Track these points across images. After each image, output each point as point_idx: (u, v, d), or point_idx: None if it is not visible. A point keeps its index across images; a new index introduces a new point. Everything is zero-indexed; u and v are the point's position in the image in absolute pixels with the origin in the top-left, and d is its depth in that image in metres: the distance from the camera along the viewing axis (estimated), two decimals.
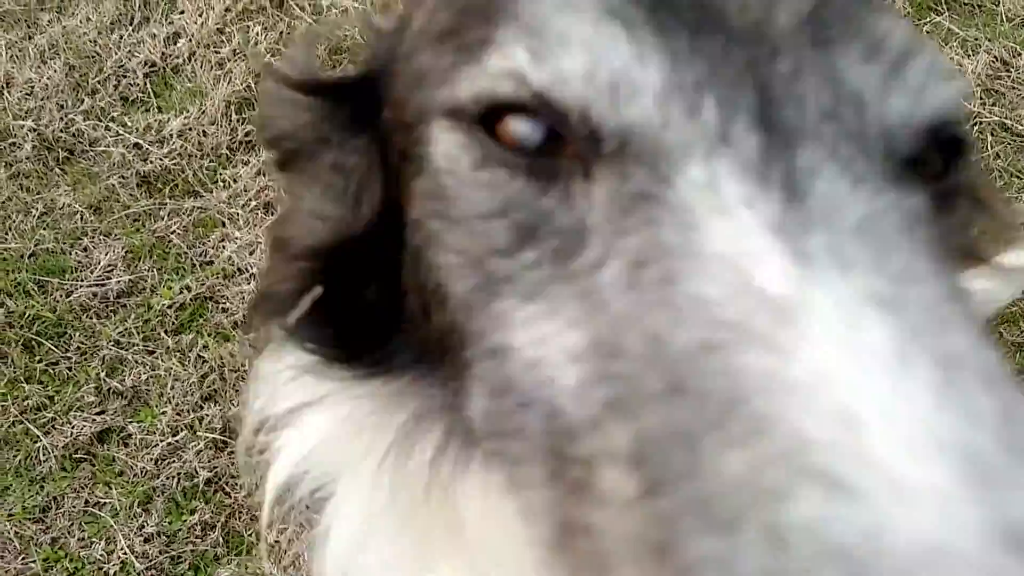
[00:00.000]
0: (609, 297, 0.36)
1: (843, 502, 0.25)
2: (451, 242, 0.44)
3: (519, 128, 0.41)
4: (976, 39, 2.39)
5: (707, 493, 0.28)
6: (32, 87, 2.47)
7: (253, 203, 2.05)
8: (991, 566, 0.24)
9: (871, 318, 0.30)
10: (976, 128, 2.17)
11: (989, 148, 2.12)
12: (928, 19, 2.45)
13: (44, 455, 1.76)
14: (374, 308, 0.53)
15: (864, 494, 0.25)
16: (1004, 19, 2.46)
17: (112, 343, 1.83)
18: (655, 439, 0.30)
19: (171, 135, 2.25)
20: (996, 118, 2.19)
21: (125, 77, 2.47)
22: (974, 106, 2.21)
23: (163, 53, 2.50)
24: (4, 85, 2.49)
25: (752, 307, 0.31)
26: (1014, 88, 2.27)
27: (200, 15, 2.57)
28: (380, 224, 0.52)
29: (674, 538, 0.28)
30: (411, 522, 0.53)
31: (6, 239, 2.06)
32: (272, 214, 2.02)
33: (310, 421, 0.55)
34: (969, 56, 2.33)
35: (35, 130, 2.33)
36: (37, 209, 2.13)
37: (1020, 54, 2.34)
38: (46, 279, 1.95)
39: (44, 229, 2.08)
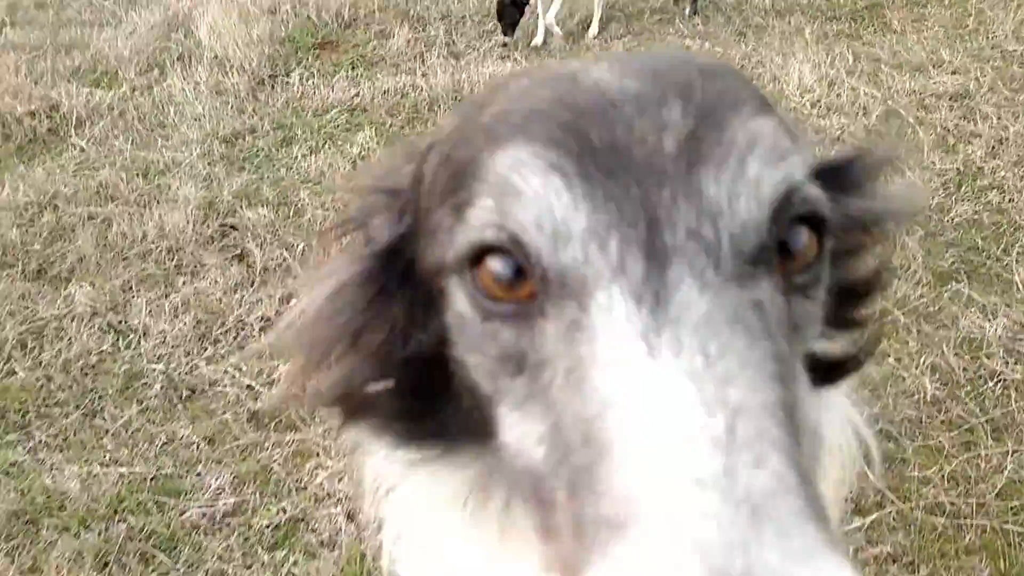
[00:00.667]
0: (555, 399, 0.52)
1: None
2: (473, 361, 0.59)
3: (497, 268, 0.55)
4: (995, 304, 2.65)
5: (598, 486, 0.45)
6: (165, 336, 2.90)
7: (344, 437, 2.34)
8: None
9: (686, 389, 0.46)
10: (1000, 385, 2.36)
11: (1014, 403, 2.30)
12: (948, 287, 2.73)
13: None
14: (435, 398, 0.66)
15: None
16: (1019, 287, 2.73)
17: (216, 558, 2.07)
18: (577, 468, 0.48)
19: (279, 378, 2.61)
20: (1018, 376, 2.39)
21: (243, 330, 2.89)
22: (996, 365, 2.42)
23: (277, 311, 2.93)
24: (142, 335, 2.94)
25: (620, 390, 0.47)
26: None
27: None
28: (438, 345, 0.64)
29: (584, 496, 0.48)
30: (491, 548, 0.68)
31: (132, 463, 2.38)
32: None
33: (404, 500, 0.72)
34: (989, 320, 2.58)
35: (164, 372, 2.72)
36: (160, 439, 2.45)
37: None
38: (164, 499, 2.23)
39: (165, 456, 2.40)
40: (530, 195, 0.53)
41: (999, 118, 3.85)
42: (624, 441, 0.46)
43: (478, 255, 0.56)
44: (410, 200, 0.67)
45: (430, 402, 0.67)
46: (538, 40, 5.12)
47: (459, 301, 0.59)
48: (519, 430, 0.56)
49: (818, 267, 0.58)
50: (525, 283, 0.55)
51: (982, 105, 3.98)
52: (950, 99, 4.07)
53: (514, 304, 0.56)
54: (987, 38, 4.77)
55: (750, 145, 0.54)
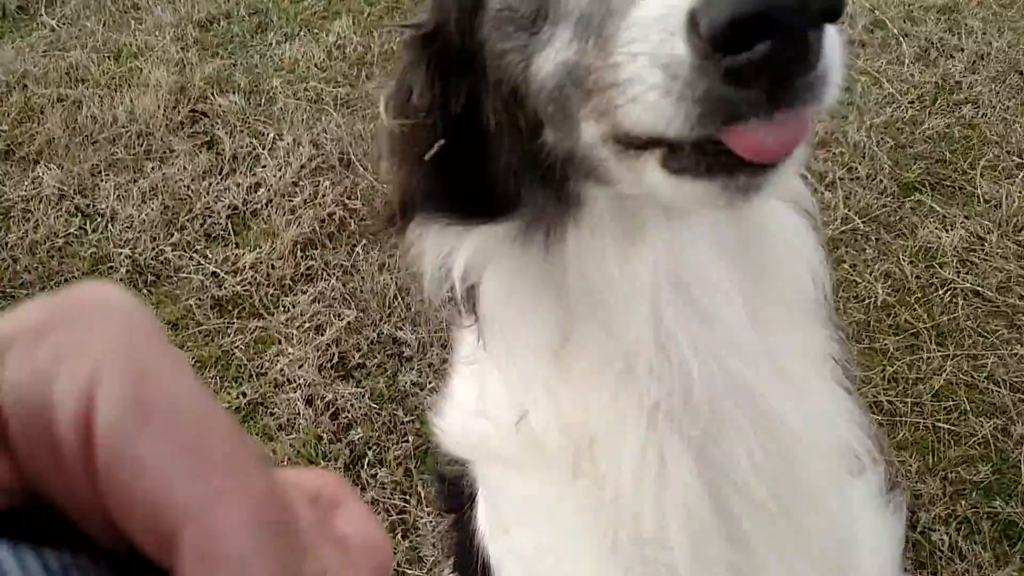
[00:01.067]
0: (572, 7, 0.70)
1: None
2: (508, 46, 0.77)
3: None
4: (955, 216, 2.68)
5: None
6: (132, 221, 2.90)
7: (307, 325, 2.38)
8: None
9: None
10: (950, 293, 2.41)
11: (960, 311, 2.36)
12: (912, 198, 2.75)
13: None
14: (477, 167, 0.85)
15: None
16: (981, 200, 2.75)
17: None
18: (600, 18, 0.66)
19: (244, 267, 2.63)
20: (968, 285, 2.44)
21: (210, 217, 2.89)
22: (949, 274, 2.47)
23: (245, 199, 2.93)
24: (109, 219, 2.94)
25: None
26: (987, 260, 2.52)
27: (279, 169, 3.02)
28: (466, 112, 0.85)
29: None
30: (542, 282, 0.85)
31: None
32: (323, 335, 2.35)
33: (459, 255, 0.87)
34: (947, 231, 2.61)
35: (131, 257, 2.74)
36: None
37: (993, 231, 2.62)
38: None
39: None
40: None
41: (984, 32, 3.79)
42: None
43: None
44: (427, 16, 0.88)
45: (474, 174, 0.85)
46: None
47: None
48: (553, 52, 0.72)
49: None
50: None
51: (969, 19, 3.92)
52: (938, 11, 4.00)
53: None
54: None
55: None
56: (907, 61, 3.58)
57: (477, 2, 0.82)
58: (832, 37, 0.60)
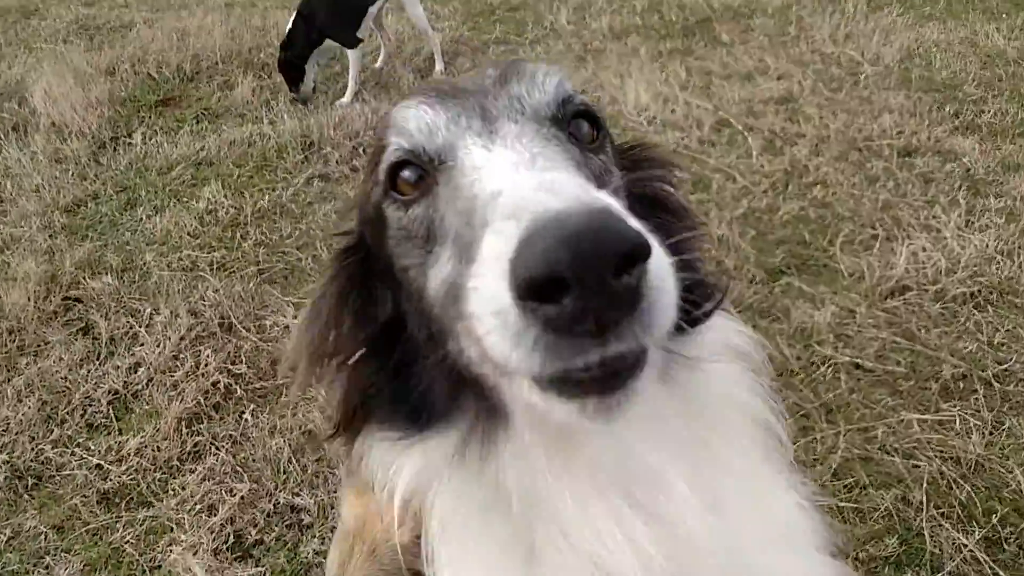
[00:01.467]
0: (450, 225, 0.76)
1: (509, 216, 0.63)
2: (407, 263, 0.83)
3: (406, 174, 0.84)
4: (823, 294, 2.80)
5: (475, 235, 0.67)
6: (8, 423, 2.75)
7: (198, 506, 2.28)
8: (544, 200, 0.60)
9: (506, 155, 0.74)
10: (831, 369, 2.50)
11: (843, 385, 2.43)
12: (780, 282, 2.87)
13: None
14: (406, 379, 0.88)
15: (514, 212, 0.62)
16: (844, 275, 2.89)
17: None
18: (468, 237, 0.70)
19: (129, 454, 2.52)
20: (848, 358, 2.53)
21: (91, 406, 2.77)
22: (827, 351, 2.56)
23: (125, 381, 2.83)
24: None
25: (478, 176, 0.73)
26: (860, 331, 2.63)
27: (158, 345, 2.94)
28: (393, 318, 0.90)
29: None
30: (490, 500, 0.84)
31: None
32: (215, 515, 2.24)
33: (403, 471, 0.88)
34: (818, 309, 2.72)
35: (8, 462, 2.58)
36: (5, 534, 2.32)
37: (861, 303, 2.74)
38: None
39: (10, 552, 2.27)
40: (412, 117, 0.84)
41: (821, 118, 4.08)
42: (482, 191, 0.71)
43: (394, 175, 0.85)
44: (354, 225, 0.96)
45: (405, 385, 0.88)
46: (345, 100, 5.07)
47: (391, 215, 0.85)
48: (438, 269, 0.79)
49: (602, 142, 0.90)
50: (422, 182, 0.83)
51: (805, 107, 4.22)
52: (776, 103, 4.30)
53: (419, 193, 0.82)
54: (807, 43, 5.07)
55: (543, 73, 0.88)
56: (755, 153, 3.81)
57: (380, 221, 0.87)
58: (658, 272, 0.59)
